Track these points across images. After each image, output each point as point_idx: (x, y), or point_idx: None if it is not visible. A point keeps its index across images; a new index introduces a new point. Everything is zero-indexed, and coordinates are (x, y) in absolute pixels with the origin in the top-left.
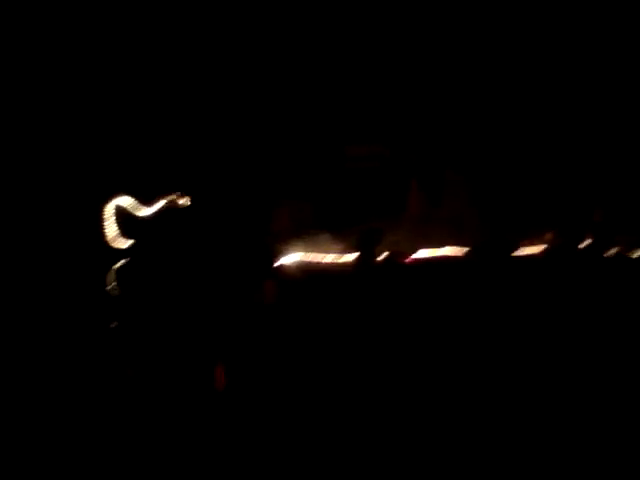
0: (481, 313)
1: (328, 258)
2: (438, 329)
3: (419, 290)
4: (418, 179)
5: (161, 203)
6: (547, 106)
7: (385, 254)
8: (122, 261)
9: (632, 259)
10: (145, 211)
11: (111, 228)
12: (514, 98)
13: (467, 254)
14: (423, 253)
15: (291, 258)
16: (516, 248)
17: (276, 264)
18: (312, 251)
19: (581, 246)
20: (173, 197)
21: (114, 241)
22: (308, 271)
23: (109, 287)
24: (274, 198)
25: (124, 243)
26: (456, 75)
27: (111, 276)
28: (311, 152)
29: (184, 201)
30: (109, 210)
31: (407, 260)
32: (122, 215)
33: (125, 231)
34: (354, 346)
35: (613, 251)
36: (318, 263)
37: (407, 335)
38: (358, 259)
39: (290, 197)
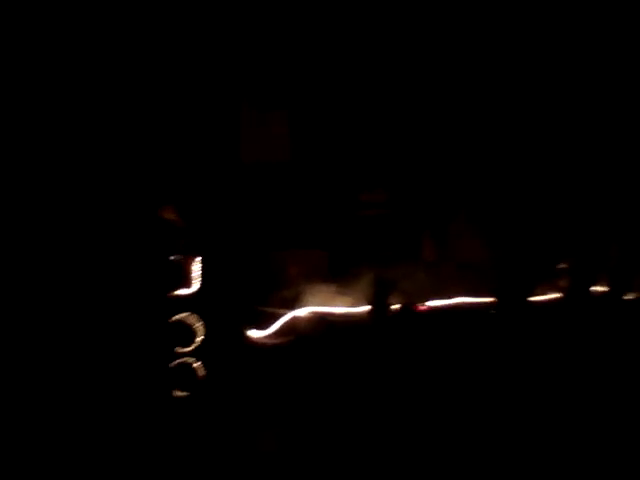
0: (496, 362)
1: (340, 310)
2: (452, 379)
3: (433, 340)
4: (431, 226)
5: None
6: (560, 149)
7: (398, 304)
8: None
9: None
10: None
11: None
12: (531, 144)
13: (482, 302)
14: (436, 302)
15: (303, 310)
16: (531, 295)
17: (288, 316)
18: (324, 303)
19: (597, 291)
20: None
21: None
22: (320, 323)
23: None
24: (284, 247)
25: None
26: (471, 122)
27: None
28: (323, 200)
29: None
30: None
31: (420, 309)
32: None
33: None
34: (366, 399)
35: (630, 296)
36: (330, 315)
37: (421, 386)
38: (371, 310)
39: (301, 246)
